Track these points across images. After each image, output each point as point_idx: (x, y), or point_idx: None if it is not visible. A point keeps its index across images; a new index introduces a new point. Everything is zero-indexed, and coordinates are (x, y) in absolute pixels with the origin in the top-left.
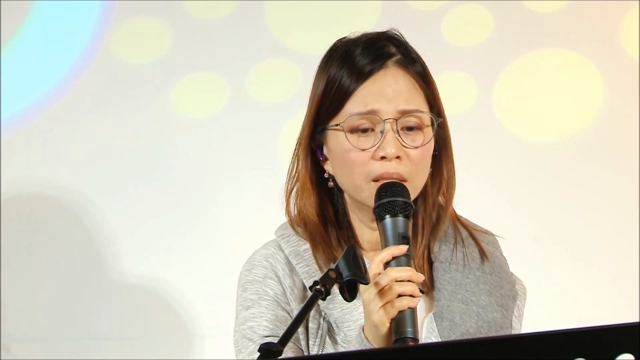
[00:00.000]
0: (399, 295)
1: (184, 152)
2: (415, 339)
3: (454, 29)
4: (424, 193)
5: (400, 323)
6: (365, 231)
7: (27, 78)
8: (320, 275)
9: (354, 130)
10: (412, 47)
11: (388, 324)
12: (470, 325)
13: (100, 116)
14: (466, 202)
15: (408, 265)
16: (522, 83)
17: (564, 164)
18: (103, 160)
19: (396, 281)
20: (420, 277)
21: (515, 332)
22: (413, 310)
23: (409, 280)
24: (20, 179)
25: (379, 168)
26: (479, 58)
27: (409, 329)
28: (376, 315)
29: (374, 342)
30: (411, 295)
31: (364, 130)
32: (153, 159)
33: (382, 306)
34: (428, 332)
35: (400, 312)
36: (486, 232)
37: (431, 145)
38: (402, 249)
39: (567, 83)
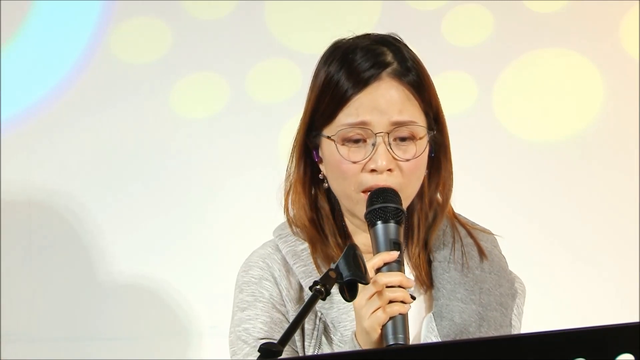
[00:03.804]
0: (390, 302)
1: (183, 152)
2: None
3: (454, 29)
4: (420, 192)
5: (391, 329)
6: (360, 233)
7: (27, 78)
8: (318, 275)
9: (345, 141)
10: (409, 54)
11: (379, 330)
12: (470, 324)
13: (100, 116)
14: (466, 202)
15: (399, 271)
16: (522, 83)
17: (564, 164)
18: (103, 160)
19: (387, 287)
20: (411, 283)
21: (514, 330)
22: (404, 316)
23: (399, 286)
24: (20, 179)
25: (370, 180)
26: (479, 58)
27: (400, 335)
28: (367, 321)
29: (366, 348)
30: (402, 302)
31: (356, 141)
32: (153, 158)
33: (373, 312)
34: (427, 332)
35: (391, 318)
36: (485, 231)
37: (424, 157)
38: (394, 255)
39: (567, 83)
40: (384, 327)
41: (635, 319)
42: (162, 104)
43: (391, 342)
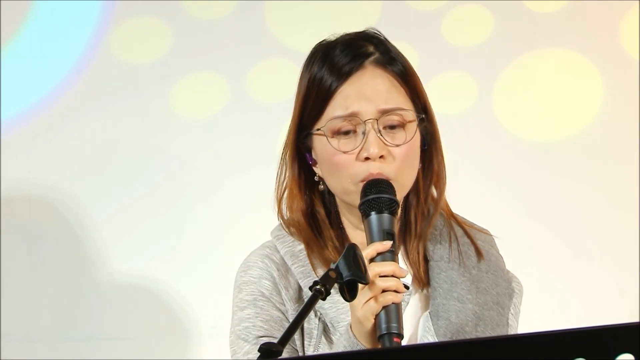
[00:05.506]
0: (383, 291)
1: (183, 152)
2: (400, 335)
3: (454, 29)
4: (415, 188)
5: (385, 318)
6: (358, 233)
7: (27, 78)
8: (315, 275)
9: (335, 134)
10: (392, 46)
11: (372, 320)
12: (466, 323)
13: (100, 116)
14: (465, 201)
15: (393, 261)
16: (522, 83)
17: (564, 163)
18: (103, 160)
19: (380, 276)
20: (404, 272)
21: (511, 330)
22: (397, 306)
23: (392, 276)
24: (20, 179)
25: (364, 169)
26: (479, 58)
27: (394, 324)
28: (360, 311)
29: (361, 338)
30: (395, 291)
31: (346, 133)
32: (153, 158)
33: (366, 302)
34: (424, 331)
35: (385, 307)
36: (482, 231)
37: (415, 142)
38: (387, 244)
39: (567, 83)
40: (377, 316)
41: (635, 319)
42: (162, 104)
43: (384, 332)
